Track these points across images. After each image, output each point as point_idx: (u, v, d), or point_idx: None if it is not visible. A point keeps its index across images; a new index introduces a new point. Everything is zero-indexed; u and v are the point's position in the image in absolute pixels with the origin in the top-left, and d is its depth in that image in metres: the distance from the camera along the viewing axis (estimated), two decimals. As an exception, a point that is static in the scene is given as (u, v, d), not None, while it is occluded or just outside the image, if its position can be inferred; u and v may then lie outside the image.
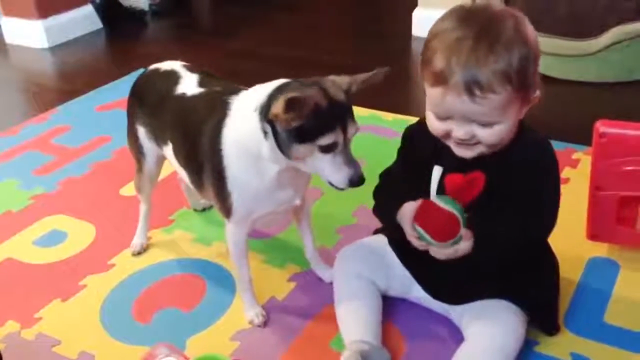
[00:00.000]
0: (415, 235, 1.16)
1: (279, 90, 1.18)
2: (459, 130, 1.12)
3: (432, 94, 1.12)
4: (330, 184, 1.19)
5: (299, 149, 1.15)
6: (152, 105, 1.45)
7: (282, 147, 1.17)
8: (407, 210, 1.17)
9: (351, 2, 3.74)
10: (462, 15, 1.11)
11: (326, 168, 1.17)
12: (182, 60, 1.53)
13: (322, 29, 3.28)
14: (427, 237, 1.14)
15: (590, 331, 1.30)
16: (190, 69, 1.47)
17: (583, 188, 1.48)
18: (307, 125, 1.13)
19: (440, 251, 1.15)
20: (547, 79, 2.42)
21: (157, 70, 1.51)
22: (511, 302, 1.23)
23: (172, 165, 1.48)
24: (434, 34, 1.12)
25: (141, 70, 2.68)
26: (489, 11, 1.11)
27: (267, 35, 3.16)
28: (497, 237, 1.15)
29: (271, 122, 1.16)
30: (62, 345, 1.37)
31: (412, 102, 2.31)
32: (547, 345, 1.27)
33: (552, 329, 1.29)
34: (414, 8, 2.98)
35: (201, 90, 1.38)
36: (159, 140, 1.45)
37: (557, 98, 2.27)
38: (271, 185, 1.24)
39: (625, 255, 1.49)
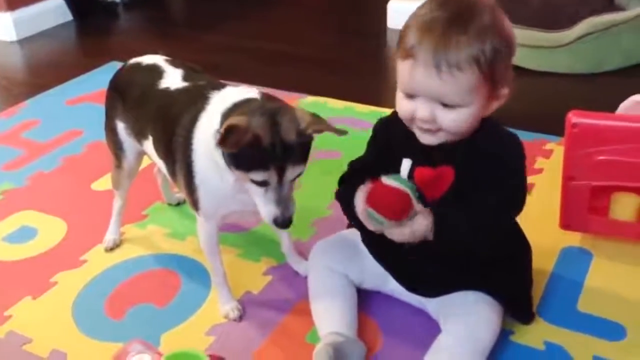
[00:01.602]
0: (369, 219, 1.15)
1: (236, 108, 1.16)
2: (422, 111, 1.11)
3: (402, 69, 1.12)
4: None
5: (235, 172, 1.15)
6: (134, 100, 1.43)
7: (228, 166, 1.16)
8: (360, 194, 1.15)
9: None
10: (440, 1, 1.12)
11: (256, 199, 1.16)
12: (155, 53, 1.51)
13: (297, 21, 3.26)
14: (380, 217, 1.12)
15: (563, 320, 1.32)
16: (174, 63, 1.45)
17: (556, 178, 1.50)
18: (241, 155, 1.11)
19: (396, 232, 1.13)
20: (519, 70, 2.44)
21: (138, 65, 1.48)
22: (486, 294, 1.23)
23: (151, 159, 1.46)
24: (412, 14, 1.13)
25: (113, 63, 2.67)
26: (477, 5, 1.12)
27: (244, 29, 3.14)
28: (459, 222, 1.14)
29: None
30: (33, 343, 1.35)
31: (388, 93, 2.31)
32: (522, 335, 1.28)
33: (526, 318, 1.30)
34: (388, 0, 2.98)
35: (185, 84, 1.36)
36: (140, 135, 1.43)
37: (529, 89, 2.29)
38: (234, 186, 1.22)
39: (598, 244, 1.51)
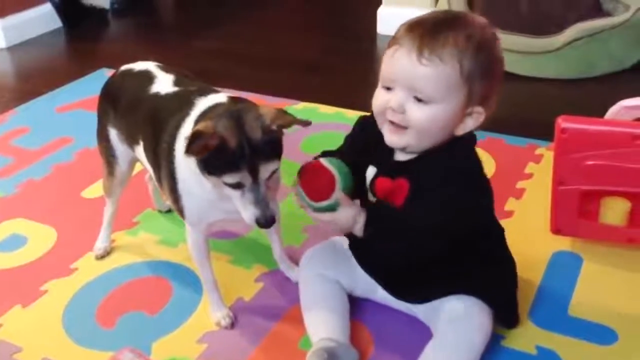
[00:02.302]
0: (297, 196, 1.15)
1: (204, 114, 1.16)
2: (395, 100, 1.11)
3: (386, 56, 1.14)
4: None
5: (209, 179, 1.14)
6: (126, 106, 1.42)
7: (199, 170, 1.15)
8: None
9: (317, 0, 3.73)
10: (442, 10, 1.15)
11: (236, 203, 1.14)
12: (146, 59, 1.51)
13: (288, 26, 3.26)
14: (305, 196, 1.12)
15: (555, 324, 1.32)
16: (165, 69, 1.44)
17: (546, 183, 1.51)
18: (211, 160, 1.10)
19: (317, 215, 1.13)
20: (509, 76, 2.44)
21: (130, 71, 1.48)
22: (475, 298, 1.23)
23: (143, 164, 1.46)
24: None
25: (103, 70, 2.66)
26: (467, 14, 1.14)
27: (233, 34, 3.14)
28: (388, 226, 1.13)
29: None
30: (23, 352, 1.34)
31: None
32: (513, 339, 1.29)
33: (512, 322, 1.30)
34: (378, 6, 2.99)
35: (175, 89, 1.36)
36: (131, 140, 1.42)
37: (519, 94, 2.31)
38: (215, 195, 1.20)
39: (588, 248, 1.52)
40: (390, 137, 1.16)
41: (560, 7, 2.50)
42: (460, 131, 1.15)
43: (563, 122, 1.41)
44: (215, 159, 1.10)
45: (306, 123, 1.14)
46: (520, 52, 2.43)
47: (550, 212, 1.50)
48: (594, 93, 2.32)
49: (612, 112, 1.55)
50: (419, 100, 1.10)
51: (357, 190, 1.19)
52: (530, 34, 2.44)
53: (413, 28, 1.11)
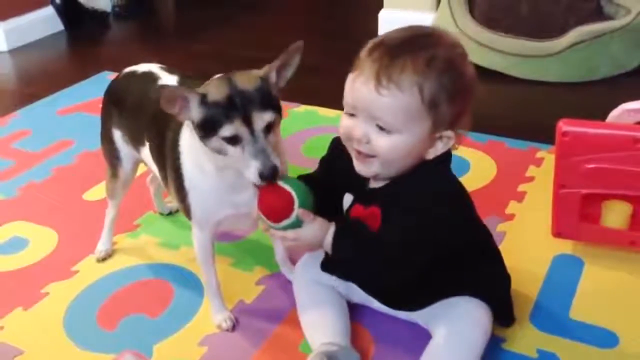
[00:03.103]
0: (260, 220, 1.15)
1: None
2: (358, 130, 1.10)
3: (348, 80, 1.12)
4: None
5: (209, 144, 1.13)
6: (129, 107, 1.43)
7: (204, 144, 1.15)
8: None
9: (317, 3, 3.74)
10: (409, 26, 1.12)
11: (238, 162, 1.12)
12: (147, 62, 1.51)
13: (289, 30, 3.27)
14: (265, 219, 1.12)
15: (556, 327, 1.32)
16: (169, 70, 1.45)
17: (547, 186, 1.51)
18: (206, 119, 1.11)
19: (281, 234, 1.12)
20: (510, 79, 2.46)
21: (134, 73, 1.48)
22: (472, 297, 1.23)
23: (148, 166, 1.46)
24: (381, 35, 1.14)
25: (104, 73, 2.67)
26: (434, 30, 1.12)
27: (233, 37, 3.14)
28: (350, 246, 1.12)
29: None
30: (24, 355, 1.34)
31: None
32: (514, 342, 1.29)
33: (508, 321, 1.30)
34: (380, 9, 2.99)
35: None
36: (137, 142, 1.43)
37: (520, 97, 2.31)
38: (221, 185, 1.21)
39: (590, 252, 1.52)
40: (359, 167, 1.15)
41: (561, 11, 2.50)
42: (431, 155, 1.13)
43: (564, 126, 1.41)
44: (209, 116, 1.10)
45: (297, 49, 1.15)
46: (521, 55, 2.43)
47: (551, 215, 1.50)
48: (595, 96, 2.32)
49: (614, 115, 1.55)
50: (382, 128, 1.09)
51: (327, 209, 1.17)
52: (531, 37, 2.44)
53: (373, 51, 1.08)
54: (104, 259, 1.59)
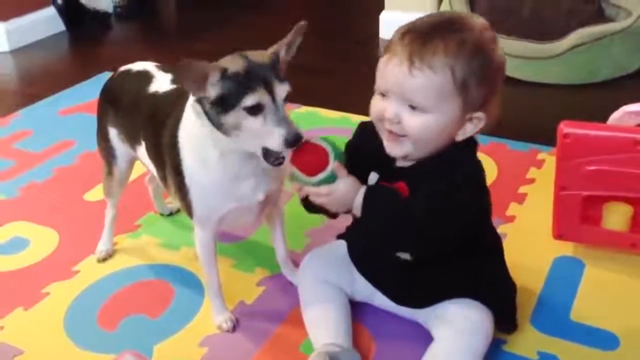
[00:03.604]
0: (292, 180, 1.15)
1: None
2: (390, 110, 1.11)
3: (380, 63, 1.14)
4: (268, 156, 1.15)
5: (227, 119, 1.13)
6: (125, 106, 1.43)
7: (215, 124, 1.14)
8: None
9: (318, 4, 3.74)
10: (438, 12, 1.14)
11: (259, 133, 1.12)
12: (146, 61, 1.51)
13: (289, 30, 3.26)
14: (297, 172, 1.12)
15: (556, 329, 1.32)
16: (163, 68, 1.45)
17: (548, 188, 1.51)
18: (227, 92, 1.11)
19: (315, 190, 1.12)
20: (511, 81, 2.45)
21: (128, 71, 1.49)
22: (475, 300, 1.23)
23: (145, 165, 1.46)
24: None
25: (106, 74, 2.67)
26: (464, 15, 1.13)
27: (234, 37, 3.15)
28: (385, 207, 1.12)
29: (200, 102, 1.15)
30: (25, 355, 1.34)
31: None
32: (515, 344, 1.29)
33: (510, 327, 1.30)
34: (381, 10, 2.99)
35: (173, 87, 1.37)
36: (133, 141, 1.43)
37: (521, 99, 2.31)
38: (223, 175, 1.21)
39: (591, 254, 1.52)
40: (390, 147, 1.16)
41: (562, 13, 2.50)
42: (460, 137, 1.14)
43: (565, 127, 1.41)
44: (231, 89, 1.11)
45: (299, 30, 1.19)
46: (522, 57, 2.43)
47: (552, 217, 1.50)
48: (596, 98, 2.32)
49: (615, 117, 1.55)
50: (414, 108, 1.10)
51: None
52: (532, 40, 2.44)
53: (405, 35, 1.10)
54: (104, 259, 1.59)
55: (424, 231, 1.11)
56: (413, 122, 1.10)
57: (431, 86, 1.08)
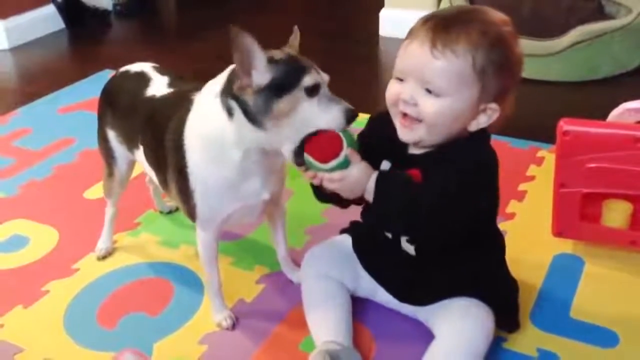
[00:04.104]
0: (306, 169, 1.15)
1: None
2: (406, 92, 1.12)
3: (401, 48, 1.14)
4: (297, 155, 1.14)
5: (280, 104, 1.10)
6: (122, 108, 1.43)
7: (258, 116, 1.12)
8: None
9: (317, 3, 3.74)
10: (463, 4, 1.14)
11: (315, 113, 1.11)
12: (147, 61, 1.51)
13: (289, 30, 3.26)
14: (313, 161, 1.12)
15: (556, 327, 1.32)
16: (161, 70, 1.45)
17: (548, 185, 1.50)
18: (279, 74, 1.11)
19: (329, 176, 1.12)
20: (511, 79, 2.45)
21: (127, 73, 1.48)
22: (476, 299, 1.23)
23: (143, 168, 1.46)
24: None
25: (106, 72, 2.67)
26: (486, 9, 1.14)
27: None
28: (397, 192, 1.12)
29: (237, 98, 1.13)
30: (25, 353, 1.33)
31: (380, 101, 2.32)
32: (514, 342, 1.29)
33: (513, 326, 1.30)
34: (381, 8, 2.99)
35: (170, 90, 1.37)
36: (130, 143, 1.43)
37: (520, 97, 2.28)
38: (235, 175, 1.20)
39: (590, 251, 1.52)
40: (403, 133, 1.16)
41: (562, 10, 2.50)
42: (474, 127, 1.15)
43: (565, 125, 1.40)
44: (286, 72, 1.11)
45: (295, 35, 1.22)
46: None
47: (552, 215, 1.50)
48: (596, 96, 2.32)
49: (615, 114, 1.55)
50: (430, 92, 1.10)
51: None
52: (532, 37, 2.43)
53: (428, 21, 1.12)
54: (104, 257, 1.59)
55: (433, 216, 1.11)
56: (429, 105, 1.11)
57: (452, 70, 1.08)
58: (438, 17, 1.12)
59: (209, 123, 1.18)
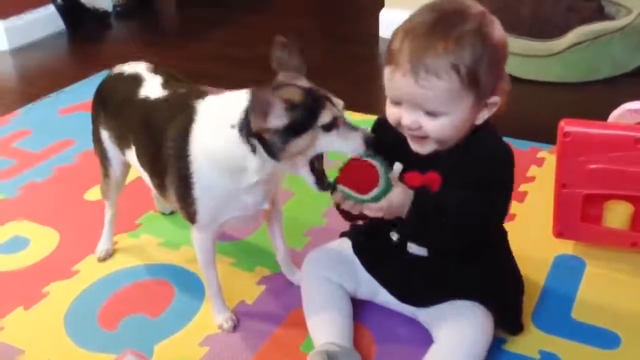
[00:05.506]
0: (343, 200, 1.15)
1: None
2: (406, 118, 1.13)
3: (386, 73, 1.14)
4: (319, 181, 1.17)
5: (298, 142, 1.12)
6: (115, 108, 1.43)
7: (276, 152, 1.13)
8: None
9: (318, 3, 3.74)
10: (431, 5, 1.13)
11: (336, 143, 1.13)
12: (145, 61, 1.51)
13: (289, 30, 3.26)
14: (350, 192, 1.12)
15: (557, 328, 1.32)
16: (154, 70, 1.44)
17: (549, 186, 1.50)
18: (297, 117, 1.11)
19: (373, 206, 1.12)
20: (511, 79, 2.44)
21: (120, 73, 1.48)
22: (477, 302, 1.23)
23: (135, 168, 1.45)
24: (405, 19, 1.14)
25: (105, 73, 2.65)
26: (458, 5, 1.12)
27: (233, 37, 3.14)
28: (430, 207, 1.14)
29: (258, 136, 1.13)
30: (25, 354, 1.33)
31: (380, 101, 2.32)
32: (516, 343, 1.28)
33: (516, 329, 1.30)
34: (380, 9, 2.99)
35: (165, 92, 1.36)
36: (122, 144, 1.42)
37: (521, 98, 2.29)
38: (243, 189, 1.21)
39: (591, 252, 1.51)
40: (415, 147, 1.17)
41: (562, 11, 2.50)
42: (480, 120, 1.16)
43: (566, 126, 1.40)
44: (299, 115, 1.11)
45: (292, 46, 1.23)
46: (522, 55, 2.43)
47: (552, 216, 1.50)
48: (596, 96, 2.31)
49: (615, 115, 1.55)
50: (429, 113, 1.11)
51: None
52: (532, 38, 2.43)
53: (404, 42, 1.09)
54: (104, 259, 1.59)
55: (461, 227, 1.14)
56: (432, 125, 1.12)
57: (441, 93, 1.08)
58: (412, 35, 1.09)
59: (226, 151, 1.17)
